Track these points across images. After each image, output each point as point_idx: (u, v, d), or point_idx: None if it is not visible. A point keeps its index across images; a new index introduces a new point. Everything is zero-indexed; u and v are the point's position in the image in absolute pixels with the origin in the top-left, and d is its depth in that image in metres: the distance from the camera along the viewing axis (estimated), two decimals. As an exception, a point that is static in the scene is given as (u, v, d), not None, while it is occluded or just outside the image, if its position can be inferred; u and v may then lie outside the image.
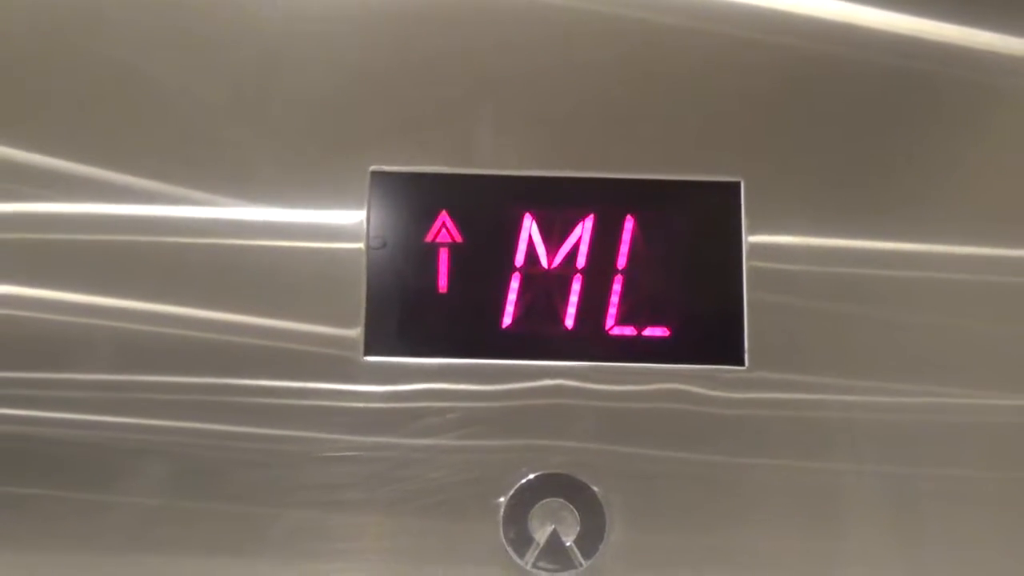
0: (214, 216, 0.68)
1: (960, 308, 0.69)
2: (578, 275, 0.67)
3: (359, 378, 0.66)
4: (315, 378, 0.66)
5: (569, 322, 0.67)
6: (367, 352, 0.66)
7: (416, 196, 0.68)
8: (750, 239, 0.68)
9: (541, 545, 0.65)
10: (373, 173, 0.68)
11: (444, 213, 0.68)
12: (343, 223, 0.67)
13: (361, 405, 0.66)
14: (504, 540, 0.65)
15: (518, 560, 0.64)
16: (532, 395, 0.67)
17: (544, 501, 0.65)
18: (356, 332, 0.66)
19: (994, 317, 0.69)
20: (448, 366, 0.66)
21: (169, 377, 0.66)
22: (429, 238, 0.68)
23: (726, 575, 0.66)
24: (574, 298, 0.67)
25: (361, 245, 0.67)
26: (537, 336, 0.67)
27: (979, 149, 0.71)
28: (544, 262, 0.68)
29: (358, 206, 0.67)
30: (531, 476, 0.65)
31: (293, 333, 0.67)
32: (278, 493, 0.65)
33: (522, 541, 0.65)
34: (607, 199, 0.68)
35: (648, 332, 0.67)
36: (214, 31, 0.70)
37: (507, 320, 0.67)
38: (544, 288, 0.68)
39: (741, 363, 0.66)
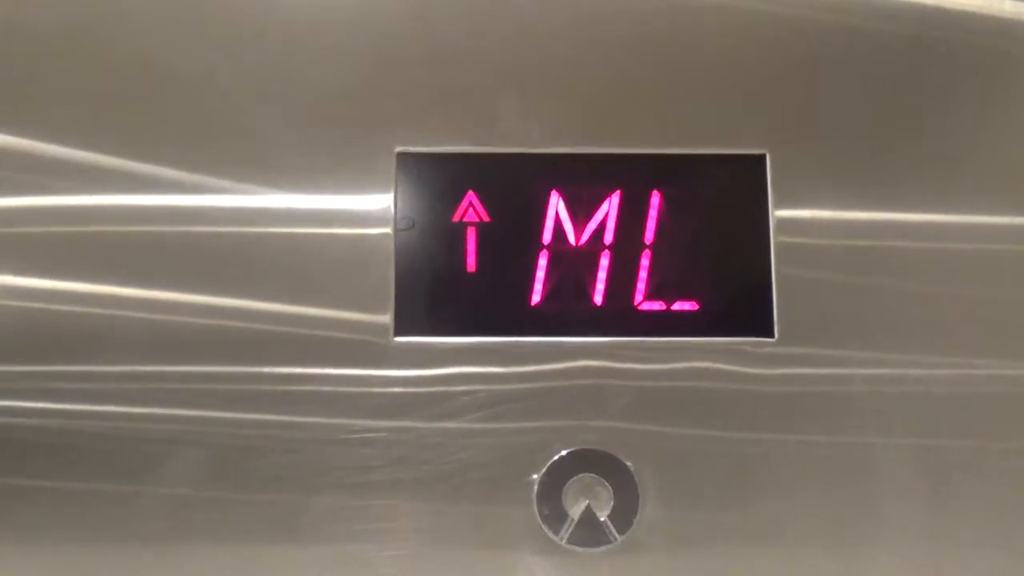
0: (241, 204, 0.67)
1: (989, 278, 0.68)
2: (606, 251, 0.67)
3: (389, 360, 0.66)
4: (345, 362, 0.66)
5: (598, 298, 0.67)
6: (397, 333, 0.66)
7: (443, 176, 0.68)
8: (776, 211, 0.67)
9: (576, 521, 0.64)
10: (399, 154, 0.68)
11: (471, 192, 0.67)
12: (370, 207, 0.67)
13: (392, 387, 0.66)
14: (539, 517, 0.64)
15: (553, 536, 0.64)
16: (563, 373, 0.66)
17: (577, 477, 0.65)
18: (386, 316, 0.66)
19: (1020, 286, 0.68)
20: (478, 345, 0.66)
21: (200, 367, 0.66)
22: (456, 218, 0.67)
23: (759, 549, 0.65)
24: (602, 274, 0.67)
25: (389, 229, 0.67)
26: (566, 313, 0.67)
27: (1006, 118, 0.71)
28: (572, 239, 0.67)
29: (385, 189, 0.67)
30: (564, 452, 0.65)
31: (322, 319, 0.66)
32: (310, 478, 0.65)
33: (556, 518, 0.64)
34: (633, 175, 0.68)
35: (677, 306, 0.67)
36: (237, 19, 0.70)
37: (536, 298, 0.67)
38: (572, 265, 0.67)
39: (771, 335, 0.66)
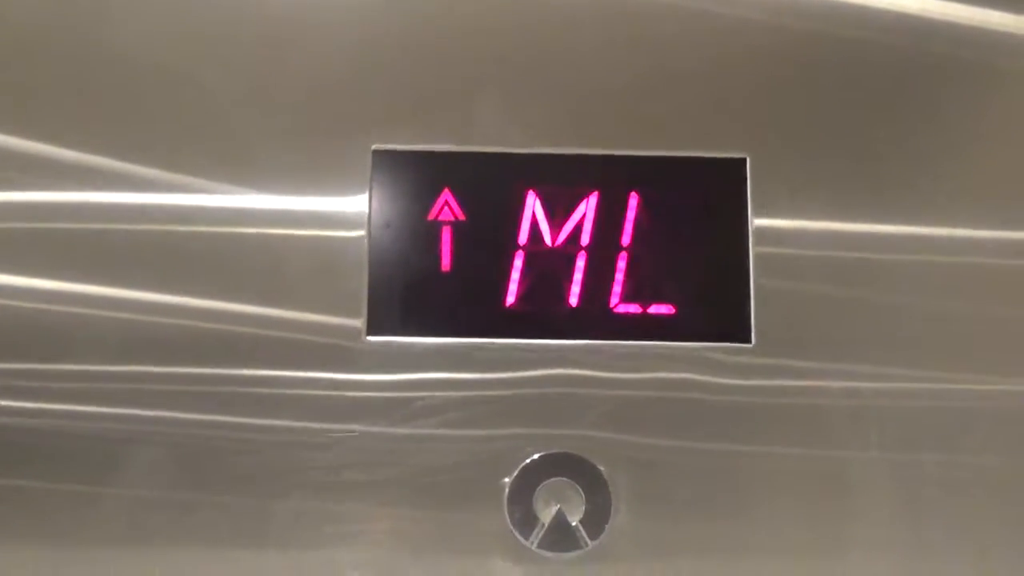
0: (216, 204, 0.68)
1: (969, 293, 0.69)
2: (582, 253, 0.67)
3: (361, 362, 0.66)
4: (317, 362, 0.66)
5: (573, 300, 0.67)
6: (369, 333, 0.66)
7: (418, 174, 0.68)
8: (756, 218, 0.68)
9: (546, 526, 0.64)
10: (375, 152, 0.68)
11: (447, 191, 0.67)
12: (346, 208, 0.67)
13: (364, 391, 0.66)
14: (509, 521, 0.64)
15: (523, 541, 0.64)
16: (537, 376, 0.66)
17: (549, 481, 0.65)
18: (359, 319, 0.66)
19: (1001, 301, 0.69)
20: (451, 346, 0.66)
21: (170, 368, 0.66)
22: (431, 216, 0.67)
23: (731, 559, 0.65)
24: (578, 276, 0.67)
25: (363, 232, 0.67)
26: (541, 314, 0.67)
27: (987, 131, 0.71)
28: (548, 240, 0.67)
29: (361, 188, 0.67)
30: (536, 456, 0.65)
31: (294, 321, 0.66)
32: (279, 481, 0.65)
33: (527, 522, 0.64)
34: (611, 176, 0.68)
35: (653, 310, 0.67)
36: (216, 16, 0.70)
37: (511, 299, 0.67)
38: (548, 266, 0.67)
39: (748, 340, 0.66)
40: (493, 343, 0.66)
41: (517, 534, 0.64)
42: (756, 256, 0.67)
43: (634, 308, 0.67)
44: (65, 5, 0.70)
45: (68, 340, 0.66)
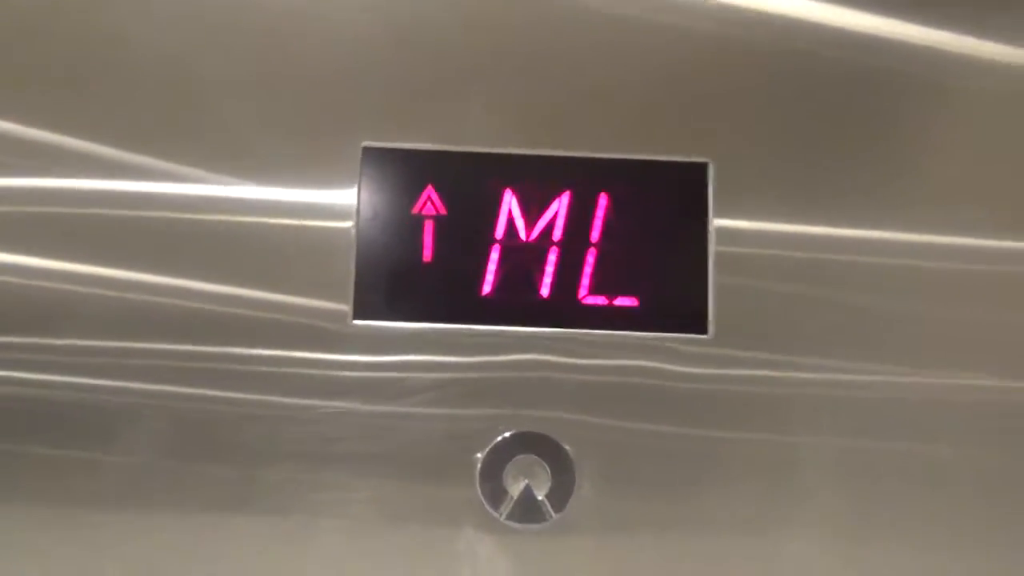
0: (212, 193, 0.71)
1: (915, 292, 0.72)
2: (554, 247, 0.71)
3: (347, 342, 0.70)
4: (306, 343, 0.70)
5: (545, 291, 0.71)
6: (355, 316, 0.70)
7: (404, 170, 0.71)
8: (716, 218, 0.72)
9: (515, 499, 0.69)
10: (365, 149, 0.71)
11: (430, 187, 0.71)
12: (335, 201, 0.71)
13: (348, 371, 0.70)
14: (480, 494, 0.69)
15: (493, 513, 0.69)
16: (510, 361, 0.70)
17: (518, 458, 0.69)
18: (346, 304, 0.70)
19: (944, 301, 0.73)
20: (431, 331, 0.70)
21: (165, 344, 0.70)
22: (415, 210, 0.71)
23: (686, 535, 0.70)
24: (550, 269, 0.71)
25: (351, 223, 0.71)
26: (514, 304, 0.71)
27: (934, 143, 0.75)
28: (522, 235, 0.71)
29: (350, 182, 0.71)
30: (506, 434, 0.69)
31: (286, 305, 0.70)
32: (266, 452, 0.69)
33: (497, 495, 0.69)
34: (582, 176, 0.72)
35: (618, 302, 0.71)
36: (212, 10, 0.73)
37: (487, 288, 0.71)
38: (522, 259, 0.71)
39: (705, 332, 0.70)
40: (469, 329, 0.70)
41: (487, 506, 0.69)
42: (716, 254, 0.71)
43: (601, 300, 0.71)
44: (79, 6, 0.73)
45: (72, 317, 0.70)
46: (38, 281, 0.70)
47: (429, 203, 0.71)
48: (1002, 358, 0.72)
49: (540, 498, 0.69)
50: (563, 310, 0.71)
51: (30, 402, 0.69)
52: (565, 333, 0.71)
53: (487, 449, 0.69)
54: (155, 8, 0.73)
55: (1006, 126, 0.75)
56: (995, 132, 0.75)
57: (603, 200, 0.72)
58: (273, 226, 0.71)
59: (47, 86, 0.72)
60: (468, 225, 0.71)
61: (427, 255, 0.71)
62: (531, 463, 0.69)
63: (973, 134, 0.75)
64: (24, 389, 0.69)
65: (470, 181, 0.72)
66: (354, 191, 0.71)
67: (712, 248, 0.71)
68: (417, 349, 0.70)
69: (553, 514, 0.69)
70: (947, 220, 0.73)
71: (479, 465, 0.69)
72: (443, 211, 0.71)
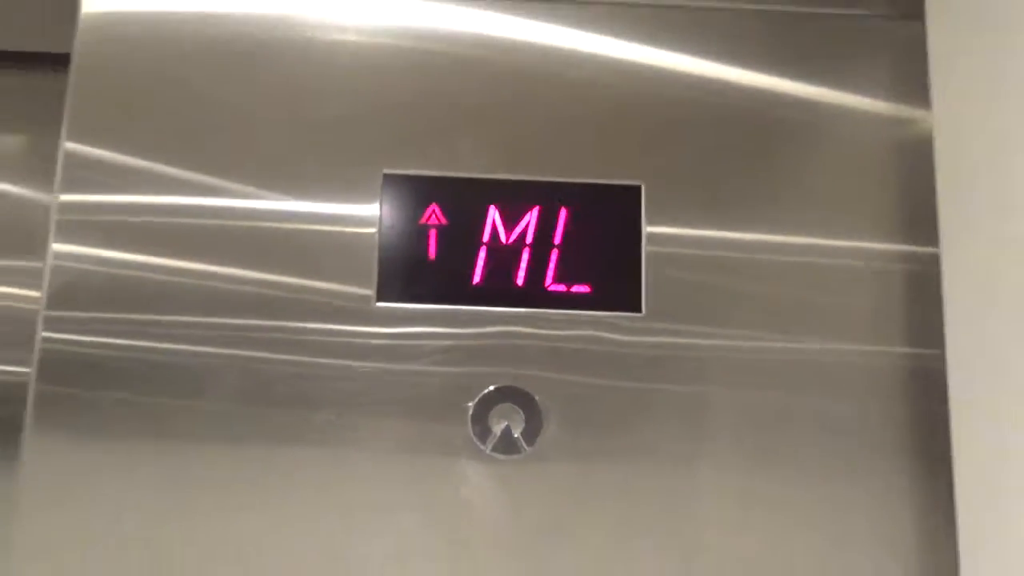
0: (271, 207, 0.90)
1: (799, 281, 0.91)
2: (526, 248, 0.90)
3: (372, 318, 0.89)
4: (341, 319, 0.89)
5: (520, 281, 0.90)
6: (378, 300, 0.89)
7: (414, 192, 0.91)
8: (648, 226, 0.91)
9: (497, 436, 0.88)
10: (385, 175, 0.91)
11: (434, 204, 0.90)
12: (363, 213, 0.90)
13: (372, 340, 0.89)
14: (471, 433, 0.88)
15: (481, 447, 0.88)
16: (494, 332, 0.89)
17: (499, 405, 0.89)
18: (371, 289, 0.89)
19: (823, 287, 0.91)
20: (435, 310, 0.90)
21: (238, 320, 0.88)
22: (422, 221, 0.90)
23: (626, 462, 0.88)
24: (524, 264, 0.90)
25: (375, 230, 0.90)
26: (497, 290, 0.90)
27: (815, 169, 0.94)
28: (503, 239, 0.90)
29: (374, 199, 0.91)
30: (491, 388, 0.89)
31: (326, 290, 0.89)
32: (313, 400, 0.87)
33: (484, 434, 0.88)
34: (548, 196, 0.91)
35: (575, 289, 0.90)
36: (270, 73, 0.92)
37: (477, 279, 0.90)
38: (503, 257, 0.90)
39: (639, 311, 0.90)
40: (464, 309, 0.89)
41: (476, 441, 0.88)
42: (647, 253, 0.91)
43: (562, 287, 0.90)
44: (167, 62, 0.92)
45: (172, 300, 0.88)
46: (149, 274, 0.89)
47: (433, 216, 0.91)
48: (848, 327, 0.91)
49: (516, 436, 0.88)
50: (534, 295, 0.90)
51: (143, 362, 0.87)
52: (535, 312, 0.90)
53: (476, 399, 0.89)
54: (223, 69, 0.92)
55: (856, 155, 0.94)
56: (849, 160, 0.94)
57: (563, 213, 0.91)
58: (316, 231, 0.91)
59: (148, 128, 0.90)
60: (462, 232, 0.90)
61: (431, 254, 0.90)
62: (509, 409, 0.88)
63: (834, 161, 0.94)
64: (139, 353, 0.88)
65: (464, 200, 0.91)
66: (376, 206, 0.91)
67: (644, 248, 0.91)
68: (424, 324, 0.89)
69: (526, 448, 0.88)
70: (824, 227, 0.92)
71: (470, 411, 0.88)
72: (444, 222, 0.91)
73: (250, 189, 0.92)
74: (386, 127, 0.93)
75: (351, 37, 0.94)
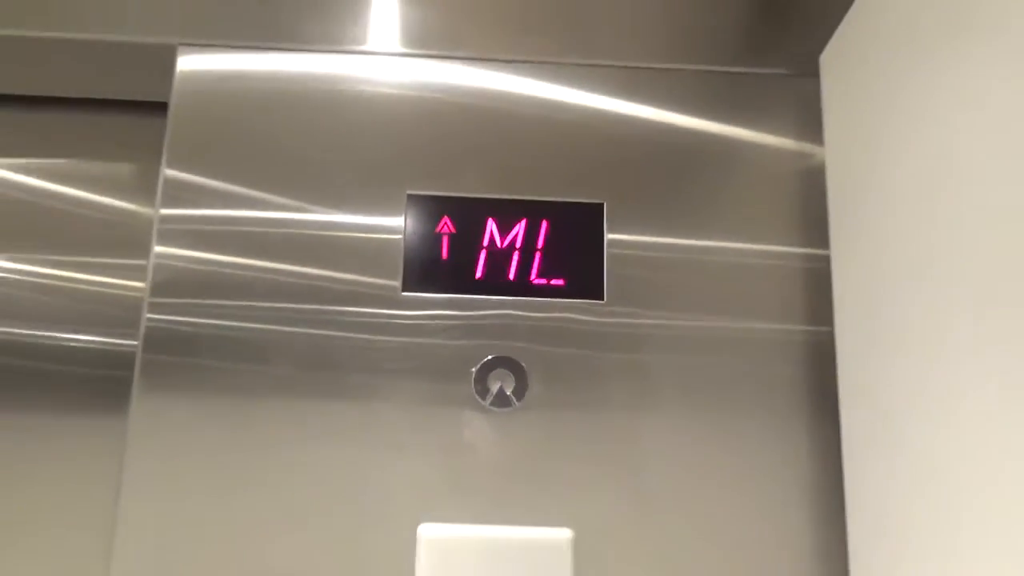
0: (319, 219, 1.13)
1: (733, 277, 1.13)
2: (516, 251, 1.13)
3: (399, 304, 1.13)
4: (373, 305, 1.12)
5: (512, 276, 1.13)
6: (404, 290, 1.13)
7: (431, 207, 1.14)
8: (609, 233, 1.15)
9: (494, 394, 1.11)
10: (409, 195, 1.14)
11: (446, 217, 1.14)
12: (391, 223, 1.14)
13: (399, 320, 1.12)
14: (474, 391, 1.11)
15: (481, 402, 1.10)
16: (492, 315, 1.12)
17: (496, 370, 1.12)
18: (398, 281, 1.12)
19: (749, 282, 1.13)
20: (448, 298, 1.13)
21: (294, 304, 1.11)
22: (438, 230, 1.14)
23: (596, 413, 1.08)
24: (514, 263, 1.13)
25: (400, 236, 1.13)
26: (495, 283, 1.12)
27: (740, 189, 1.16)
28: (499, 244, 1.13)
29: (399, 213, 1.14)
30: (489, 357, 1.12)
31: (362, 282, 1.12)
32: (352, 367, 1.08)
33: (483, 391, 1.11)
34: (533, 211, 1.13)
35: (553, 282, 1.13)
36: (323, 116, 1.16)
37: (479, 274, 1.13)
38: (499, 258, 1.13)
39: (602, 299, 1.13)
40: (469, 297, 1.12)
41: (478, 398, 1.10)
42: (608, 255, 1.14)
43: (543, 281, 1.13)
44: (243, 108, 1.15)
45: (243, 289, 1.10)
46: (228, 270, 1.11)
47: (446, 226, 1.14)
48: (761, 310, 1.13)
49: (508, 393, 1.11)
50: (522, 286, 1.13)
51: (224, 338, 1.09)
52: (523, 300, 1.12)
53: (478, 366, 1.11)
54: (287, 114, 1.15)
55: (767, 179, 1.16)
56: (761, 183, 1.15)
57: (544, 224, 1.14)
58: (355, 238, 1.14)
59: (228, 158, 1.13)
60: (468, 238, 1.13)
61: (444, 255, 1.13)
62: (503, 374, 1.11)
63: (750, 184, 1.14)
64: (221, 331, 1.10)
65: (469, 213, 1.14)
66: (402, 218, 1.15)
67: (606, 251, 1.14)
68: (439, 308, 1.12)
69: (516, 403, 1.11)
70: (750, 234, 1.15)
71: (473, 375, 1.11)
72: (454, 230, 1.14)
73: (305, 205, 1.16)
74: (410, 158, 1.15)
75: (383, 90, 1.20)
